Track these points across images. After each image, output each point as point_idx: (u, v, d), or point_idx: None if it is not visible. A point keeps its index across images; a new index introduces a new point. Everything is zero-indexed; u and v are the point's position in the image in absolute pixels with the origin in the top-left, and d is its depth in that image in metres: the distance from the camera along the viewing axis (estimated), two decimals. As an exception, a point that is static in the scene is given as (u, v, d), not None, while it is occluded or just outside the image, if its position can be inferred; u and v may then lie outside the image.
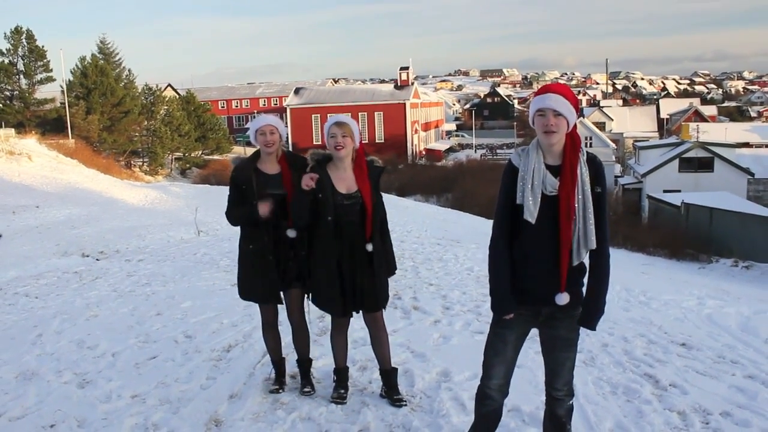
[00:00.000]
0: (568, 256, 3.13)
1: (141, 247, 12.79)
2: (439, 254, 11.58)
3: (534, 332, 3.44)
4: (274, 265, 4.35)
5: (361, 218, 4.16)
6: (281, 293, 4.48)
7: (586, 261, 3.25)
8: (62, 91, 46.28)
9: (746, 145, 52.89)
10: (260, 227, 4.34)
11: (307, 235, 4.27)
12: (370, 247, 4.17)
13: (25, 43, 46.09)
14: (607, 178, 42.16)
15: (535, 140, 3.21)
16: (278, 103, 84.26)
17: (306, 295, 4.43)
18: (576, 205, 3.09)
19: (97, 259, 11.39)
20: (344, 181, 4.19)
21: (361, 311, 4.36)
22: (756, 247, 21.43)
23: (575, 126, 3.17)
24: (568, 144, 3.14)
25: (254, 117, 4.84)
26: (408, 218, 19.55)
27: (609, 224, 3.28)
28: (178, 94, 66.15)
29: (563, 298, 3.17)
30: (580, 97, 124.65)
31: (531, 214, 3.11)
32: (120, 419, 4.31)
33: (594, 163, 3.19)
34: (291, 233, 4.28)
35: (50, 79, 46.97)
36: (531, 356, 5.17)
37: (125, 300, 7.91)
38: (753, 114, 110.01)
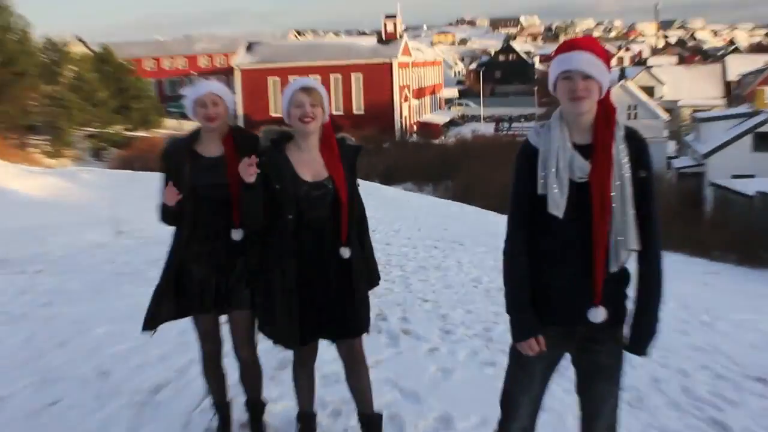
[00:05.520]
0: (603, 260, 3.18)
1: (40, 254, 12.62)
2: (436, 261, 11.57)
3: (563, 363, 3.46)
4: (199, 279, 4.36)
5: (334, 214, 4.14)
6: (224, 317, 4.49)
7: (631, 266, 3.30)
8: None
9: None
10: (184, 227, 4.35)
11: (259, 239, 4.26)
12: (346, 253, 4.15)
13: None
14: (659, 160, 42.65)
15: (558, 112, 3.29)
16: (224, 62, 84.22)
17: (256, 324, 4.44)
18: (613, 194, 3.14)
19: (-20, 271, 11.24)
20: (309, 165, 4.17)
21: (332, 339, 4.34)
22: None
23: (608, 92, 3.24)
24: (600, 115, 3.22)
25: (192, 81, 4.83)
26: (395, 213, 19.57)
27: (660, 218, 3.31)
28: (91, 50, 65.55)
29: (599, 314, 3.22)
30: (621, 53, 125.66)
31: (557, 206, 3.17)
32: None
33: (635, 139, 3.25)
34: (236, 234, 4.27)
35: None
36: (558, 396, 5.17)
37: (17, 326, 7.79)
38: None
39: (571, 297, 3.25)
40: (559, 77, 3.20)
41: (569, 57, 3.17)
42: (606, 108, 3.22)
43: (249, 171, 4.02)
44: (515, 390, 3.44)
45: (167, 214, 4.33)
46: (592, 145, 3.20)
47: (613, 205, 3.15)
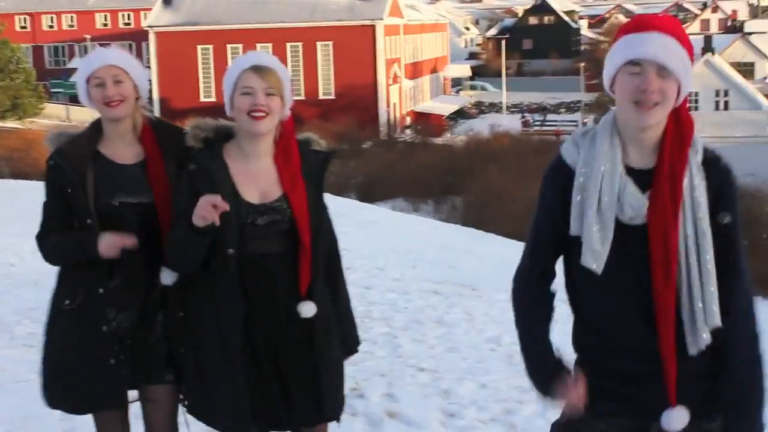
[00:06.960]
0: (673, 342, 2.96)
1: None
2: (437, 312, 11.34)
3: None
4: (112, 340, 4.05)
5: (290, 250, 3.90)
6: (131, 394, 4.22)
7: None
8: None
9: None
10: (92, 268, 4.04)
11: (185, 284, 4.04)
12: (307, 310, 3.88)
13: None
14: (762, 169, 40.55)
15: (610, 117, 3.11)
16: (133, 22, 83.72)
17: (181, 400, 4.16)
18: (680, 249, 2.94)
19: None
20: (256, 180, 3.93)
21: (289, 425, 4.07)
22: None
23: (686, 100, 3.05)
24: (669, 130, 3.01)
25: (87, 51, 4.10)
26: (379, 244, 19.37)
27: (750, 275, 3.09)
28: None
29: (675, 419, 2.98)
30: (706, 14, 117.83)
31: (595, 257, 2.99)
32: None
33: (717, 169, 3.04)
34: (167, 278, 4.00)
35: None
36: None
37: None
38: None
39: (639, 386, 3.06)
40: (622, 69, 2.94)
41: (641, 39, 2.92)
42: (680, 120, 3.01)
43: (205, 210, 3.64)
44: None
45: (70, 258, 4.09)
46: (655, 171, 2.99)
47: (685, 264, 2.94)
